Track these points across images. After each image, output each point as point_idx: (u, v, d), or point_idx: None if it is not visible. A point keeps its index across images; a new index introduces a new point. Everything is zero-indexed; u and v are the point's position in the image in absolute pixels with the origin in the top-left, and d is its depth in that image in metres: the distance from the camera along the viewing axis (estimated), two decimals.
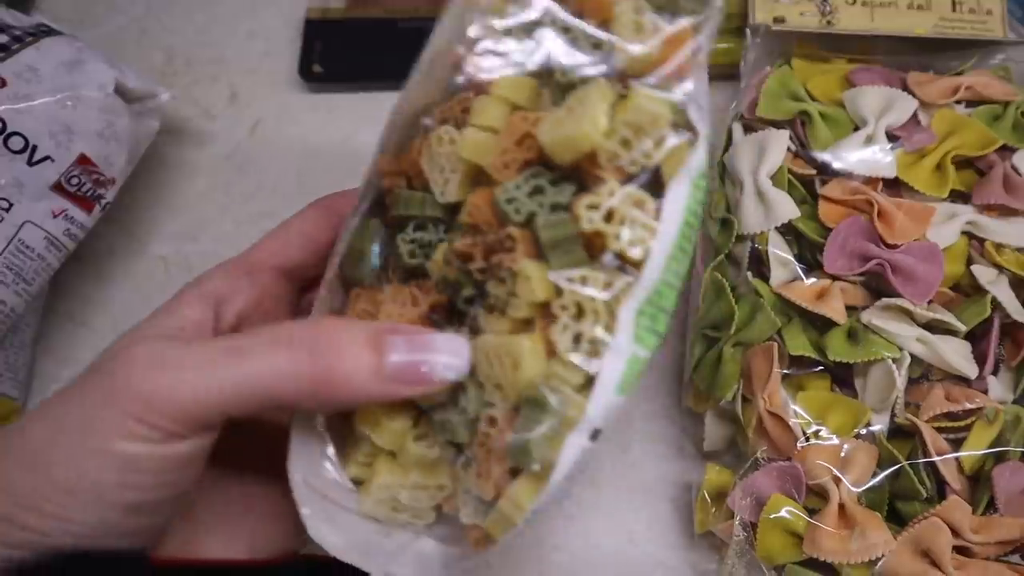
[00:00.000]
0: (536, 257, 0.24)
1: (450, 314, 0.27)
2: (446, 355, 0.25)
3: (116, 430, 0.23)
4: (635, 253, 0.23)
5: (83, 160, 0.43)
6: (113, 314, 0.48)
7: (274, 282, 0.31)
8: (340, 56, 0.53)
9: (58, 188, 0.43)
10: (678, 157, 0.24)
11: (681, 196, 0.24)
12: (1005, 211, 0.39)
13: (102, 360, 0.25)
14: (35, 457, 0.24)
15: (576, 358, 0.23)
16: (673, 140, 0.24)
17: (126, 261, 0.49)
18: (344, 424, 0.28)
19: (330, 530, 0.25)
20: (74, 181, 0.43)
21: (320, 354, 0.24)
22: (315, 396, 0.24)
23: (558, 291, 0.24)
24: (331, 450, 0.27)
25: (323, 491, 0.26)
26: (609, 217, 0.23)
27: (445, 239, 0.27)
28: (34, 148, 0.42)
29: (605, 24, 0.25)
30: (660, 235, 0.24)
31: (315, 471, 0.27)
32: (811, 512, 0.35)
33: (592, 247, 0.24)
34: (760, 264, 0.39)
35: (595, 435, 0.24)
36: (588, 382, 0.24)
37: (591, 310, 0.23)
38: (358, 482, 0.28)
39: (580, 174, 0.25)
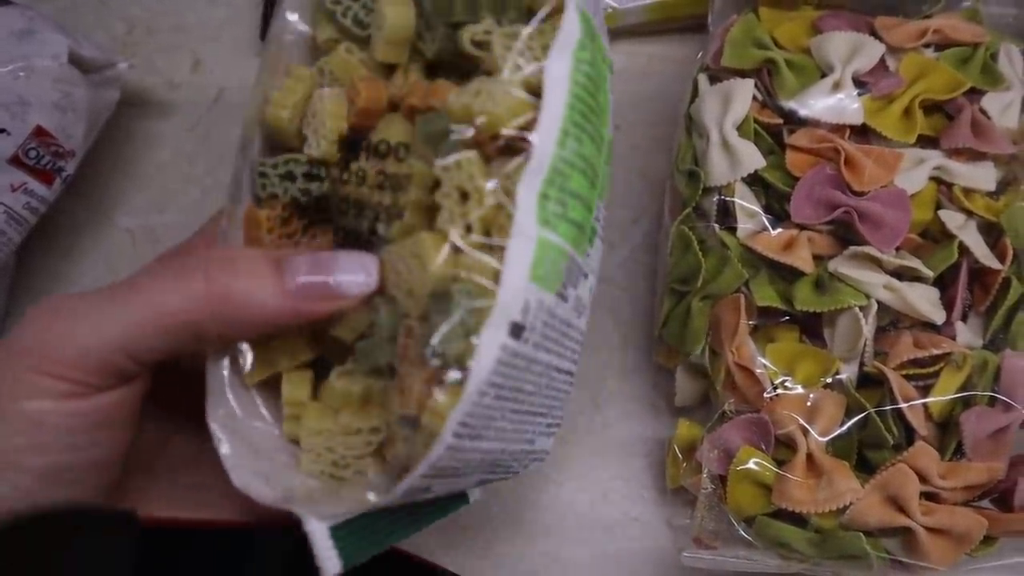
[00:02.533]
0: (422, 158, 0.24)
1: (354, 241, 0.26)
2: (352, 270, 0.24)
3: (17, 387, 0.22)
4: (523, 133, 0.22)
5: (40, 132, 0.42)
6: (82, 288, 0.47)
7: None
8: None
9: (15, 161, 0.42)
10: (547, 30, 0.24)
11: (562, 67, 0.23)
12: (973, 155, 0.38)
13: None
14: None
15: (477, 243, 0.22)
16: (544, 10, 0.24)
17: (93, 234, 0.49)
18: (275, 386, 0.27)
19: (262, 485, 0.24)
20: (32, 154, 0.42)
21: (218, 275, 0.24)
22: (216, 317, 0.24)
23: (437, 182, 0.23)
24: (261, 405, 0.27)
25: (255, 445, 0.26)
26: (484, 105, 0.23)
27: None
28: None
29: None
30: (545, 109, 0.22)
31: (238, 418, 0.26)
32: (780, 463, 0.35)
33: (478, 141, 0.23)
34: (727, 216, 0.39)
35: (516, 331, 0.22)
36: (498, 272, 0.22)
37: (474, 190, 0.23)
38: (295, 441, 0.27)
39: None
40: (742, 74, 0.40)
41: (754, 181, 0.39)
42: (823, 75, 0.40)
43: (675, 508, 0.41)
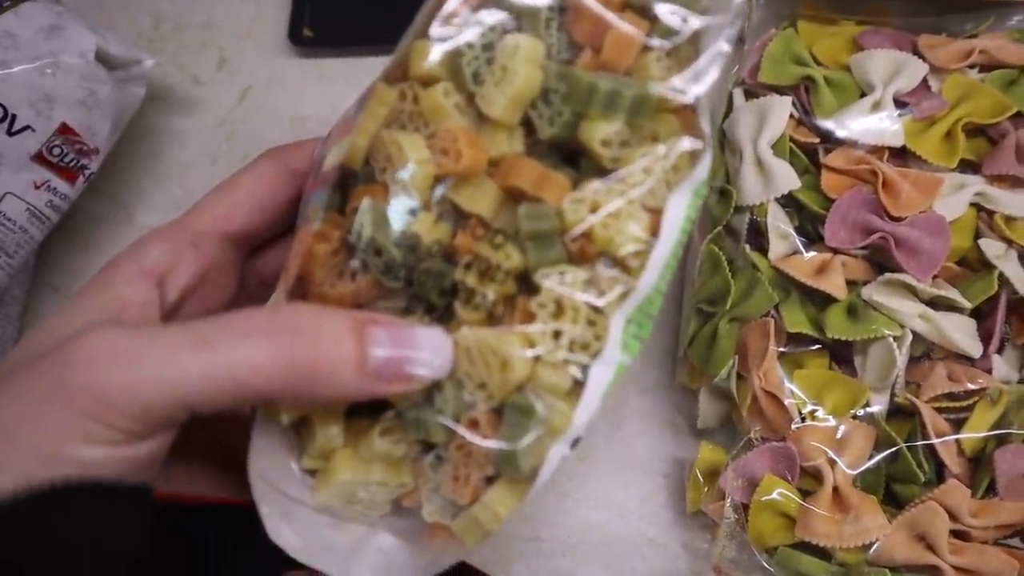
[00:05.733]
0: (520, 251, 0.23)
1: (413, 302, 0.25)
2: (429, 351, 0.23)
3: (71, 432, 0.21)
4: (633, 262, 0.23)
5: (65, 129, 0.42)
6: None
7: (220, 251, 0.28)
8: (331, 20, 0.51)
9: (39, 159, 0.42)
10: (684, 165, 0.24)
11: (682, 205, 0.23)
12: (1016, 182, 0.37)
13: (43, 354, 0.22)
14: None
15: (565, 364, 0.23)
16: (682, 146, 0.23)
17: (113, 231, 0.48)
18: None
19: (288, 530, 0.24)
20: (56, 151, 0.42)
21: (303, 345, 0.22)
22: (293, 390, 0.22)
23: (535, 288, 0.23)
24: (291, 443, 0.26)
25: (278, 485, 0.25)
26: (605, 224, 0.23)
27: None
28: (13, 117, 0.41)
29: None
30: (659, 245, 0.23)
31: (273, 465, 0.25)
32: (805, 494, 0.34)
33: (584, 253, 0.23)
34: (759, 236, 0.38)
35: (575, 443, 0.24)
36: (574, 388, 0.23)
37: (571, 308, 0.23)
38: (312, 472, 0.26)
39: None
40: (779, 90, 0.39)
41: (788, 202, 0.38)
42: (863, 94, 0.39)
43: (693, 531, 0.40)
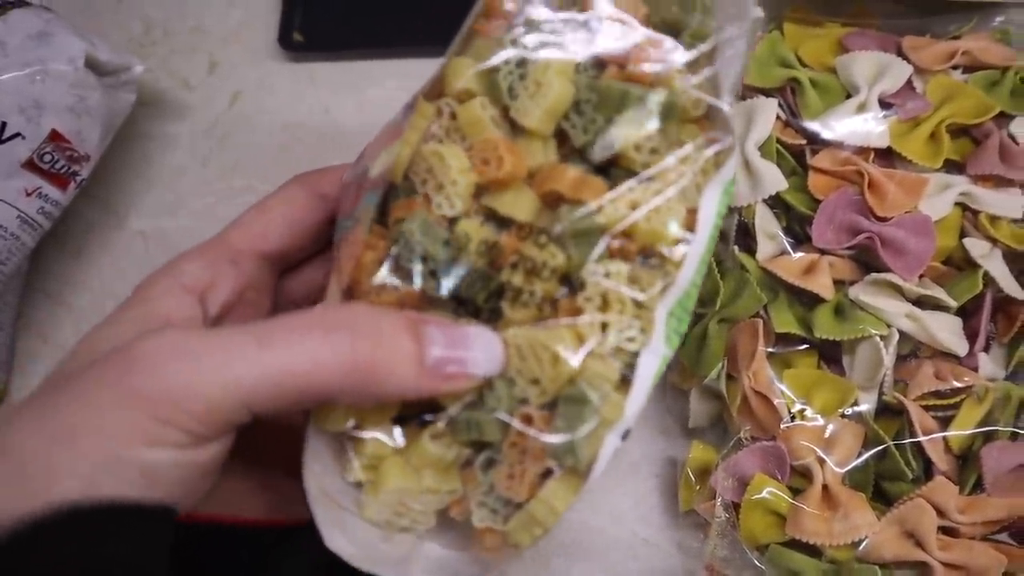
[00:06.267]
0: (563, 249, 0.24)
1: (459, 308, 0.25)
2: (481, 349, 0.23)
3: (136, 435, 0.21)
4: (674, 257, 0.24)
5: (55, 136, 0.42)
6: (93, 290, 0.47)
7: (256, 269, 0.29)
8: (320, 24, 0.52)
9: (30, 165, 0.42)
10: (711, 166, 0.25)
11: (713, 202, 0.25)
12: (1000, 182, 0.37)
13: (100, 360, 0.22)
14: (26, 471, 0.20)
15: (615, 354, 0.23)
16: (710, 147, 0.25)
17: (104, 237, 0.48)
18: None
19: (341, 537, 0.24)
20: (47, 158, 0.42)
21: (364, 341, 0.22)
22: (355, 387, 0.22)
23: (581, 284, 0.24)
24: (339, 454, 0.26)
25: (331, 493, 0.25)
26: (648, 218, 0.24)
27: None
28: (3, 125, 0.41)
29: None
30: (695, 240, 0.24)
31: (328, 475, 0.25)
32: (795, 493, 0.34)
33: (625, 250, 0.24)
34: (747, 238, 0.38)
35: (626, 435, 0.24)
36: (623, 380, 0.24)
37: (617, 300, 0.23)
38: (359, 485, 0.26)
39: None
40: (765, 92, 0.40)
41: (775, 203, 0.38)
42: (848, 95, 0.39)
43: (686, 531, 0.40)
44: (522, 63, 0.25)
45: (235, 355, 0.22)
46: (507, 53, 0.25)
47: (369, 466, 0.25)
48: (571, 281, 0.24)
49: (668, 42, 0.25)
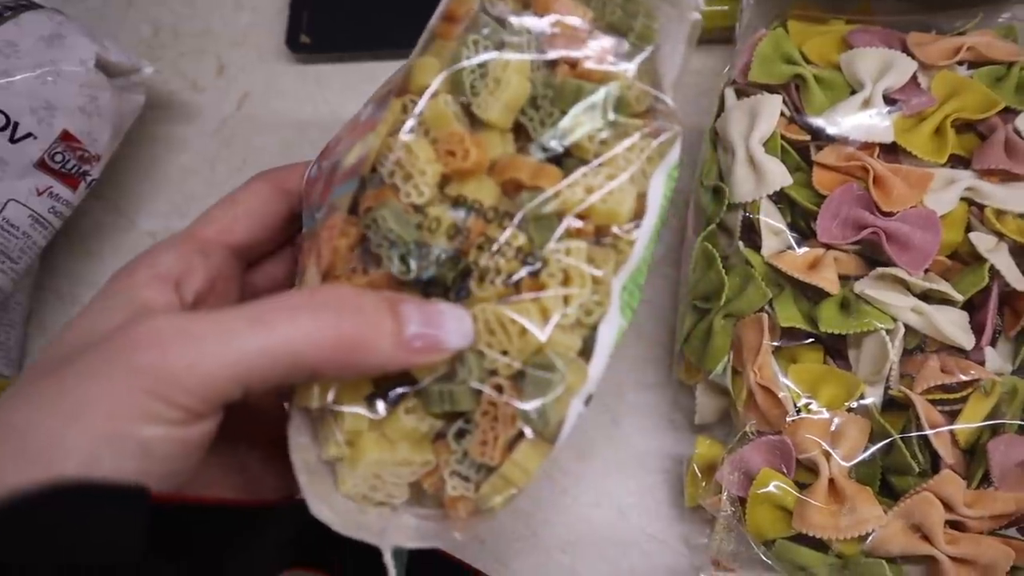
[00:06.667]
0: (525, 231, 0.26)
1: (428, 289, 0.27)
2: (453, 323, 0.25)
3: (135, 411, 0.22)
4: (627, 236, 0.27)
5: (66, 136, 0.43)
6: None
7: (224, 260, 0.30)
8: (328, 27, 0.52)
9: (42, 165, 0.42)
10: (657, 154, 0.27)
11: (659, 186, 0.27)
12: (1006, 176, 0.37)
13: (98, 341, 0.23)
14: (26, 447, 0.21)
15: (577, 325, 0.26)
16: (657, 136, 0.27)
17: (114, 237, 0.49)
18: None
19: (326, 508, 0.25)
20: (58, 158, 0.43)
21: (349, 319, 0.24)
22: (341, 362, 0.24)
23: (544, 262, 0.26)
24: (326, 428, 0.27)
25: (315, 469, 0.26)
26: (605, 200, 0.26)
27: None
28: (16, 125, 0.41)
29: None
30: (645, 220, 0.27)
31: (310, 450, 0.27)
32: (801, 487, 0.34)
33: (582, 231, 0.26)
34: (752, 233, 0.38)
35: (588, 400, 0.26)
36: (584, 349, 0.26)
37: (578, 276, 0.26)
38: (338, 459, 0.27)
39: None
40: (770, 89, 0.40)
41: (780, 199, 0.38)
42: (853, 92, 0.39)
43: (692, 526, 0.40)
44: (483, 63, 0.27)
45: (232, 334, 0.23)
46: (468, 53, 0.27)
47: (347, 441, 0.26)
48: (532, 260, 0.26)
49: (614, 43, 0.28)
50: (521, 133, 0.28)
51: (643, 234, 0.27)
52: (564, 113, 0.27)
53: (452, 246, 0.26)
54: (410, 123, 0.27)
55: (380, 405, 0.26)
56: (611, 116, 0.27)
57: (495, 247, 0.26)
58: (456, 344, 0.25)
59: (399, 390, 0.26)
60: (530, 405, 0.25)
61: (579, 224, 0.26)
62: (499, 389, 0.25)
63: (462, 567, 0.31)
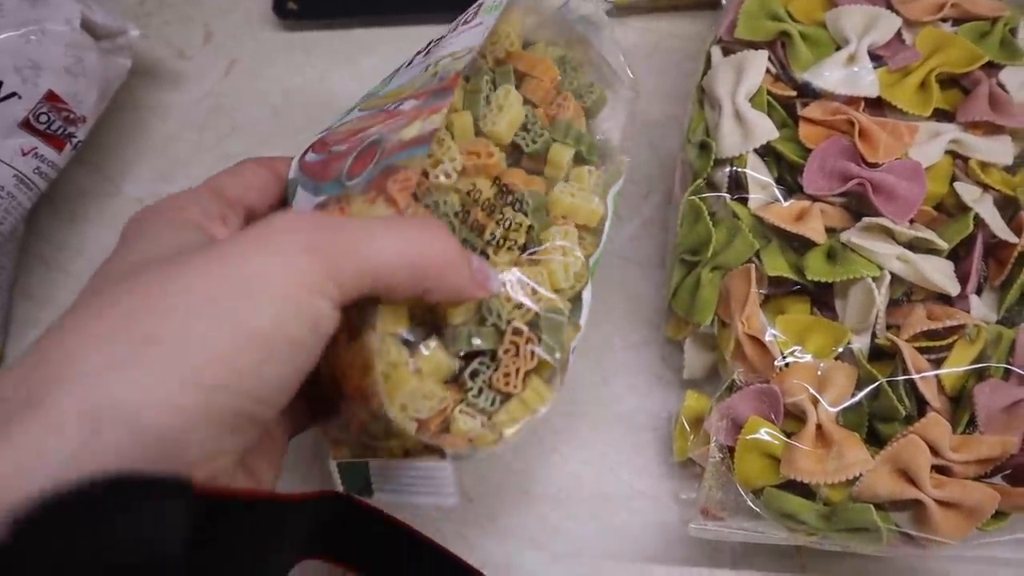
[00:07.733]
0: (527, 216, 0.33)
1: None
2: (492, 272, 0.29)
3: (316, 285, 0.23)
4: (598, 229, 0.35)
5: (51, 97, 0.42)
6: (89, 256, 0.47)
7: (240, 223, 0.30)
8: None
9: (26, 125, 0.42)
10: (608, 183, 0.36)
11: (611, 201, 0.36)
12: (990, 129, 0.37)
13: (263, 222, 0.24)
14: (220, 309, 0.22)
15: (571, 288, 0.33)
16: (611, 165, 0.37)
17: (100, 203, 0.48)
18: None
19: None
20: (43, 118, 0.42)
21: (453, 244, 0.27)
22: (443, 279, 0.26)
23: (548, 239, 0.33)
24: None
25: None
26: (586, 202, 0.34)
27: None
28: (0, 84, 0.41)
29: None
30: (608, 220, 0.35)
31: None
32: (789, 435, 0.35)
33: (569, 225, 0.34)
34: (739, 188, 0.38)
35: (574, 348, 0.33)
36: (573, 309, 0.33)
37: (572, 253, 0.33)
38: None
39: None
40: (755, 46, 0.40)
41: (766, 153, 0.39)
42: (838, 48, 0.39)
43: (682, 482, 0.40)
44: (488, 96, 0.34)
45: (374, 234, 0.25)
46: (485, 88, 0.35)
47: (384, 373, 0.28)
48: (536, 239, 0.33)
49: (574, 102, 0.36)
50: (511, 151, 0.34)
51: (605, 231, 0.35)
52: (552, 139, 0.35)
53: (483, 216, 0.32)
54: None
55: (436, 339, 0.29)
56: (583, 147, 0.35)
57: (508, 224, 0.32)
58: (494, 288, 0.29)
59: (438, 330, 0.30)
60: (546, 342, 0.30)
61: (564, 222, 0.34)
62: (518, 332, 0.30)
63: (461, 566, 0.32)
